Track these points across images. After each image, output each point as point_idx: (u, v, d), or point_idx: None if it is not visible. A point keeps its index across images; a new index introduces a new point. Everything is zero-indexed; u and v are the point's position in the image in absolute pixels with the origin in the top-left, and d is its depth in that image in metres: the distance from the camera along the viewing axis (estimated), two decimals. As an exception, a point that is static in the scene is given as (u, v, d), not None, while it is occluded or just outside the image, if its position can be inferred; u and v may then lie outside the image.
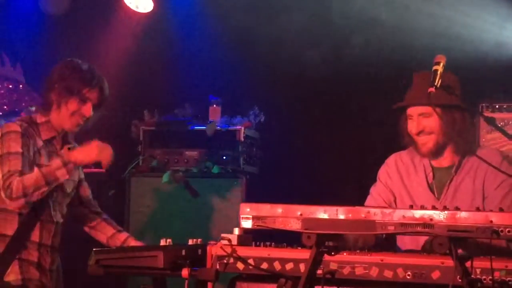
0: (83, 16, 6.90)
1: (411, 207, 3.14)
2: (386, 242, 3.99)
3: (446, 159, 4.16)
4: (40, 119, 4.41)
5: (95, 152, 4.20)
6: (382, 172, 4.32)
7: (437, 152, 4.12)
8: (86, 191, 4.63)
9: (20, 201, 4.15)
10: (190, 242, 3.71)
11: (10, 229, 4.26)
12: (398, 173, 4.25)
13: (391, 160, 4.32)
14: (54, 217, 4.37)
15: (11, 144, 4.23)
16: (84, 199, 4.61)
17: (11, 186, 4.12)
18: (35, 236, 4.30)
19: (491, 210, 3.20)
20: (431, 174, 4.17)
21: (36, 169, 4.18)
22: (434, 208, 3.08)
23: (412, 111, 4.09)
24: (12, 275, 4.21)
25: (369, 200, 4.27)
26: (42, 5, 6.84)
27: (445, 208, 3.07)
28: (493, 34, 6.21)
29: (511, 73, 5.84)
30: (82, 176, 4.64)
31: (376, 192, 4.28)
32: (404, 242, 4.11)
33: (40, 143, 4.35)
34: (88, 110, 4.37)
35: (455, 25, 6.30)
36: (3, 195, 4.16)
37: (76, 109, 4.35)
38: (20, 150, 4.22)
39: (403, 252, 3.96)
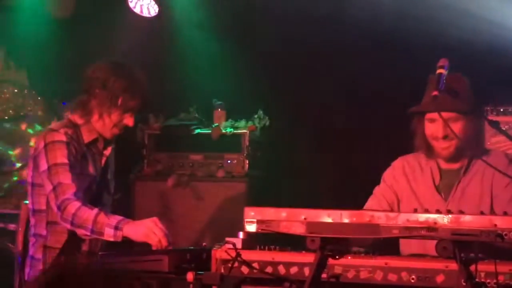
0: (88, 20, 6.91)
1: (415, 210, 3.14)
2: (388, 244, 3.98)
3: (456, 161, 4.17)
4: (79, 120, 4.32)
5: (147, 234, 3.92)
6: (387, 174, 4.32)
7: (456, 156, 4.14)
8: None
9: (66, 225, 4.10)
10: (195, 246, 3.71)
11: (59, 242, 4.21)
12: (405, 176, 4.25)
13: (397, 163, 4.33)
14: None
15: (57, 155, 4.16)
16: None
17: (67, 204, 4.05)
18: (85, 245, 4.23)
19: (496, 213, 3.20)
20: (438, 176, 4.18)
21: (96, 210, 4.02)
22: (438, 211, 3.09)
23: (436, 115, 4.03)
24: None
25: (371, 200, 4.28)
26: (48, 9, 6.84)
27: (449, 212, 3.07)
28: (498, 37, 6.20)
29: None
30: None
31: (379, 192, 4.28)
32: (410, 245, 4.11)
33: (83, 148, 4.28)
34: (131, 121, 4.30)
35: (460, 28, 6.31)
36: (55, 208, 4.11)
37: (119, 120, 4.27)
38: (66, 161, 4.15)
39: (407, 256, 3.96)
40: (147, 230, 3.95)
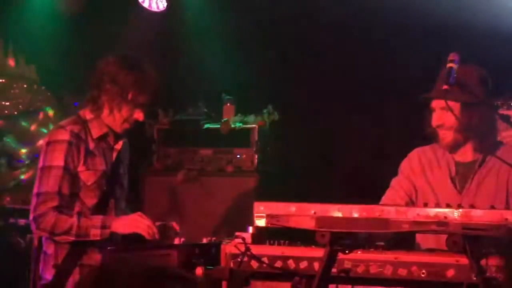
0: (97, 16, 6.91)
1: (425, 205, 3.13)
2: (403, 238, 3.98)
3: (468, 154, 4.17)
4: (89, 115, 4.30)
5: (134, 224, 4.09)
6: (404, 165, 4.31)
7: (455, 146, 4.14)
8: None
9: (43, 234, 4.16)
10: (204, 240, 3.72)
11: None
12: (421, 167, 4.25)
13: (414, 154, 4.32)
14: (116, 216, 4.30)
15: (54, 156, 4.16)
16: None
17: (44, 218, 4.10)
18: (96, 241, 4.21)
19: (507, 208, 3.18)
20: (454, 168, 4.18)
21: (75, 217, 4.10)
22: (448, 206, 3.07)
23: (435, 104, 4.10)
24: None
25: (389, 192, 4.27)
26: (58, 5, 6.85)
27: (459, 206, 3.06)
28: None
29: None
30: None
31: (397, 184, 4.27)
32: (426, 239, 4.09)
33: (92, 144, 4.27)
34: (142, 116, 4.27)
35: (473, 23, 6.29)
36: (30, 215, 4.15)
37: (129, 115, 4.25)
38: (62, 163, 4.15)
39: (420, 250, 3.95)
40: (135, 222, 4.10)
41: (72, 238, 4.13)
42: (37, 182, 4.20)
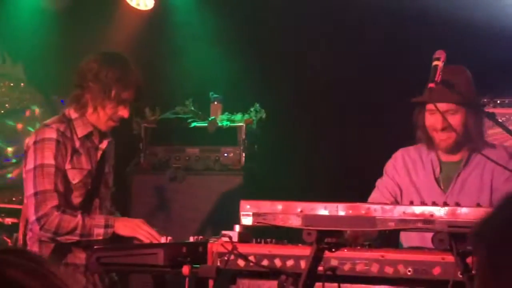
0: (84, 14, 6.89)
1: (411, 203, 3.14)
2: (388, 236, 3.99)
3: (456, 154, 4.17)
4: (73, 114, 4.28)
5: (136, 229, 4.11)
6: (389, 166, 4.32)
7: (455, 148, 4.14)
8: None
9: (46, 235, 4.13)
10: (191, 239, 3.71)
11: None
12: (405, 168, 4.25)
13: (398, 154, 4.33)
14: (101, 214, 4.29)
15: (45, 155, 4.14)
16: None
17: (48, 218, 4.08)
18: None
19: (492, 206, 3.19)
20: (438, 168, 4.19)
21: (79, 216, 4.10)
22: (434, 204, 3.08)
23: (439, 106, 4.04)
24: None
25: (374, 193, 4.27)
26: (44, 3, 6.83)
27: (445, 204, 3.07)
28: (495, 29, 6.20)
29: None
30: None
31: (382, 185, 4.28)
32: (410, 238, 4.10)
33: (77, 143, 4.26)
34: (126, 112, 4.25)
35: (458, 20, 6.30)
36: (32, 217, 4.11)
37: (113, 112, 4.23)
38: (53, 162, 4.14)
39: (405, 248, 3.96)
40: (137, 226, 4.11)
41: (76, 238, 4.11)
42: (31, 182, 4.15)
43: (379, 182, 4.30)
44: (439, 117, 4.05)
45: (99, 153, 4.35)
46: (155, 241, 3.99)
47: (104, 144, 4.36)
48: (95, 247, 3.64)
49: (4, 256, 1.59)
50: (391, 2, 6.38)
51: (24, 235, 4.30)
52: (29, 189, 4.17)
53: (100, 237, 4.10)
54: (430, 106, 4.09)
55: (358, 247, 3.24)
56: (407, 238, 4.14)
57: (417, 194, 4.13)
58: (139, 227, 4.13)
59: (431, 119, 4.10)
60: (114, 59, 4.30)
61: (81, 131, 4.27)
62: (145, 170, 6.34)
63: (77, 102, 4.28)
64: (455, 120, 4.03)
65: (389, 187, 4.24)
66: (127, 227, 4.13)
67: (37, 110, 6.91)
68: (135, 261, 3.48)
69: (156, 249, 3.43)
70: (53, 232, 4.09)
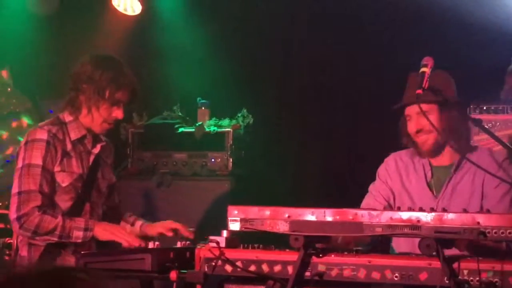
0: (71, 19, 6.89)
1: (399, 208, 3.15)
2: (380, 242, 4.01)
3: (446, 158, 4.19)
4: (68, 117, 4.29)
5: (115, 233, 4.11)
6: (381, 170, 4.33)
7: (437, 150, 4.16)
8: (114, 199, 4.57)
9: (25, 234, 4.13)
10: (179, 244, 3.71)
11: (44, 239, 4.17)
12: (397, 172, 4.27)
13: (390, 159, 4.34)
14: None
15: (33, 155, 4.15)
16: (110, 206, 4.53)
17: (28, 217, 4.08)
18: (70, 242, 4.20)
19: (479, 212, 3.21)
20: (430, 172, 4.20)
21: (60, 218, 4.10)
22: (421, 209, 3.10)
23: (410, 110, 4.12)
24: None
25: (368, 198, 4.28)
26: (30, 6, 6.81)
27: (432, 210, 3.09)
28: (482, 36, 6.23)
29: (498, 74, 5.86)
30: (114, 180, 4.56)
31: (375, 189, 4.29)
32: (399, 244, 4.12)
33: (69, 146, 4.26)
34: (120, 114, 4.26)
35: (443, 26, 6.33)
36: (13, 215, 4.11)
37: (108, 113, 4.23)
38: (40, 163, 4.14)
39: (395, 254, 3.98)
40: (116, 231, 4.13)
41: (55, 239, 4.11)
42: (16, 181, 4.17)
43: (372, 187, 4.32)
44: (413, 121, 4.10)
45: (92, 158, 4.34)
46: (133, 245, 4.00)
47: (97, 149, 4.36)
48: (82, 252, 3.64)
49: (73, 273, 1.62)
50: (380, 8, 6.41)
51: (17, 239, 4.30)
52: (14, 188, 4.19)
53: (79, 240, 4.11)
54: (407, 112, 4.14)
55: (345, 253, 3.25)
56: (397, 244, 4.16)
57: (409, 199, 4.15)
58: (119, 231, 4.13)
59: (409, 124, 4.14)
60: (108, 61, 4.31)
61: (74, 134, 4.28)
62: (132, 175, 6.33)
63: (71, 105, 4.29)
64: (425, 120, 4.04)
65: (382, 192, 4.25)
66: (106, 231, 4.13)
67: (25, 121, 6.89)
68: (122, 266, 3.48)
69: (144, 255, 3.43)
70: (32, 232, 4.10)
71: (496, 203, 3.99)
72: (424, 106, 3.98)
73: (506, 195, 4.05)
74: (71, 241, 4.11)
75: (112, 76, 4.21)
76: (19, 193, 4.14)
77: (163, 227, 4.30)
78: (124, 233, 4.12)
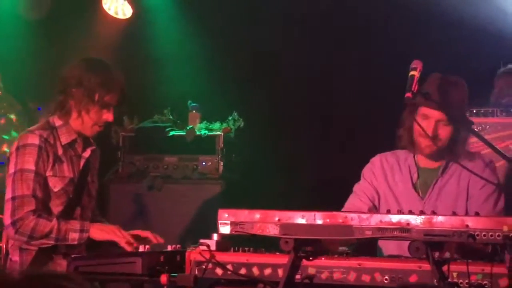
0: (62, 22, 6.89)
1: (388, 211, 3.16)
2: (366, 245, 4.01)
3: (435, 161, 4.19)
4: (58, 122, 4.29)
5: (112, 233, 4.14)
6: (366, 171, 4.33)
7: (437, 156, 4.17)
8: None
9: (21, 239, 4.13)
10: (169, 248, 3.72)
11: (35, 244, 4.16)
12: (383, 173, 4.27)
13: (376, 159, 4.34)
14: None
15: (25, 160, 4.15)
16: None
17: (23, 222, 4.08)
18: (61, 247, 4.19)
19: (468, 215, 3.22)
20: (416, 174, 4.21)
21: (55, 221, 4.11)
22: (411, 212, 3.11)
23: (430, 112, 4.07)
24: None
25: (352, 198, 4.28)
26: (21, 10, 6.81)
27: (422, 213, 3.10)
28: (472, 39, 6.26)
29: (488, 77, 5.88)
30: (97, 186, 4.55)
31: (360, 189, 4.29)
32: (387, 246, 4.13)
33: (60, 150, 4.26)
34: (111, 116, 4.27)
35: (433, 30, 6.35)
36: (8, 220, 4.11)
37: (98, 117, 4.24)
38: (33, 167, 4.14)
39: (384, 256, 3.98)
40: (111, 231, 4.15)
41: (51, 242, 4.11)
42: (10, 187, 4.17)
43: (357, 187, 4.32)
44: (432, 124, 4.07)
45: (82, 162, 4.35)
46: (131, 245, 4.01)
47: (87, 153, 4.36)
48: (72, 256, 3.64)
49: (56, 281, 1.62)
50: (370, 12, 6.43)
51: (7, 243, 4.30)
52: (7, 194, 4.18)
53: (75, 242, 4.12)
54: (424, 111, 4.08)
55: (336, 256, 3.26)
56: (384, 246, 4.17)
57: (395, 200, 4.16)
58: (114, 231, 4.15)
59: (423, 124, 4.07)
60: (96, 64, 4.32)
61: (65, 139, 4.28)
62: (123, 179, 6.34)
63: (60, 109, 4.29)
64: (445, 131, 4.06)
65: (367, 192, 4.26)
66: (102, 231, 4.15)
67: (13, 117, 6.87)
68: (113, 269, 3.47)
69: (134, 258, 3.42)
70: (28, 236, 4.09)
71: (480, 204, 4.02)
72: (444, 116, 4.01)
73: (491, 196, 4.07)
74: (67, 243, 4.11)
75: (101, 80, 4.22)
76: (13, 198, 4.14)
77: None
78: (120, 233, 4.14)
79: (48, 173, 4.20)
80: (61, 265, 4.17)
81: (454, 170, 4.16)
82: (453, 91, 4.02)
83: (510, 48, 6.11)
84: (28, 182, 4.13)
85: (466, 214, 3.88)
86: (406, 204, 3.99)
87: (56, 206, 4.21)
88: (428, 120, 4.08)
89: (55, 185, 4.21)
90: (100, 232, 4.15)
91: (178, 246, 3.69)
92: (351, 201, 4.25)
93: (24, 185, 4.13)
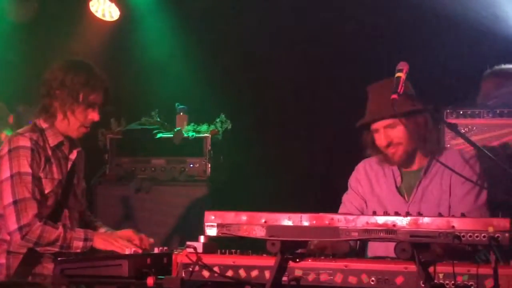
0: (49, 24, 6.87)
1: (374, 213, 3.17)
2: (356, 252, 4.04)
3: (415, 164, 4.21)
4: (44, 124, 4.28)
5: (115, 245, 4.14)
6: (352, 179, 4.36)
7: (407, 159, 4.18)
8: (83, 204, 4.55)
9: (28, 244, 4.12)
10: (156, 250, 3.71)
11: (23, 247, 4.16)
12: (367, 179, 4.29)
13: (360, 166, 4.37)
14: (70, 226, 4.28)
15: (21, 163, 4.13)
16: (78, 210, 4.51)
17: (30, 228, 4.07)
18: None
19: (453, 216, 3.23)
20: (399, 177, 4.23)
21: (61, 228, 4.12)
22: (397, 214, 3.11)
23: (377, 124, 4.13)
24: None
25: (342, 209, 4.30)
26: (8, 13, 6.79)
27: (408, 214, 3.10)
28: (459, 40, 6.27)
29: (474, 78, 5.90)
30: (85, 186, 4.56)
31: (348, 200, 4.32)
32: (374, 247, 4.14)
33: (49, 152, 4.25)
34: (96, 116, 4.26)
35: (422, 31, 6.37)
36: (14, 226, 4.08)
37: (84, 117, 4.23)
38: (29, 170, 4.13)
39: (370, 258, 3.99)
40: (113, 240, 4.17)
41: (56, 249, 4.12)
42: (9, 191, 4.13)
43: (345, 198, 4.34)
44: (382, 134, 4.12)
45: (69, 164, 4.34)
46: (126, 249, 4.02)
47: (73, 155, 4.36)
48: (59, 259, 3.63)
49: None
50: (357, 12, 6.44)
51: None
52: (6, 198, 4.13)
53: (79, 250, 4.13)
54: (374, 126, 4.15)
55: (322, 257, 3.26)
56: (371, 248, 4.18)
57: (380, 204, 4.17)
58: (117, 241, 4.16)
59: (377, 138, 4.16)
60: (78, 65, 4.31)
61: (52, 141, 4.27)
62: (110, 181, 6.33)
63: (45, 111, 4.28)
64: (397, 133, 4.08)
65: (354, 201, 4.28)
66: (105, 241, 4.17)
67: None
68: (99, 272, 3.46)
69: (121, 261, 3.42)
70: (35, 243, 4.08)
71: (461, 199, 4.03)
72: (391, 120, 4.03)
73: (471, 191, 4.08)
74: (71, 251, 4.11)
75: (84, 79, 4.21)
76: (15, 202, 4.11)
77: (122, 236, 4.28)
78: (123, 242, 4.14)
79: (40, 174, 4.19)
80: (48, 268, 4.16)
81: (436, 169, 4.17)
82: (388, 93, 3.98)
83: (498, 50, 6.12)
84: (27, 185, 4.12)
85: (450, 212, 3.91)
86: (392, 207, 3.99)
87: (46, 208, 4.20)
88: (379, 133, 4.14)
89: (46, 187, 4.20)
90: (103, 242, 4.17)
91: (165, 248, 3.69)
92: (341, 212, 4.25)
93: (24, 188, 4.11)
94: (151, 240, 4.27)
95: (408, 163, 4.21)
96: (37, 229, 4.07)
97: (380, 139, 4.14)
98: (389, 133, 4.10)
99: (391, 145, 4.12)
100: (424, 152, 4.17)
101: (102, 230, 4.44)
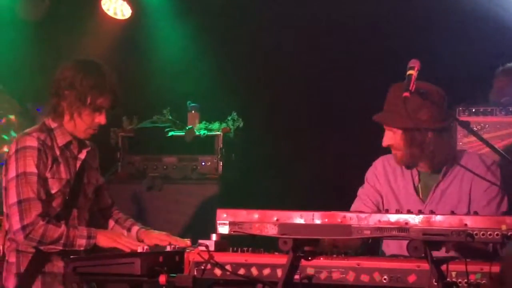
0: (61, 23, 6.88)
1: (387, 211, 3.16)
2: (370, 246, 4.01)
3: (428, 167, 4.16)
4: (53, 124, 4.26)
5: (119, 243, 4.10)
6: (370, 174, 4.33)
7: (409, 164, 4.16)
8: (107, 200, 4.56)
9: (31, 244, 4.12)
10: (168, 248, 3.72)
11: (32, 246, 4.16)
12: (385, 176, 4.26)
13: (378, 162, 4.34)
14: (79, 225, 4.27)
15: (27, 163, 4.12)
16: (103, 207, 4.54)
17: (33, 227, 4.06)
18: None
19: (475, 212, 3.22)
20: (417, 177, 4.19)
21: (63, 227, 4.10)
22: (409, 212, 3.11)
23: (384, 124, 4.14)
24: None
25: (356, 202, 4.29)
26: (19, 12, 6.81)
27: (420, 212, 3.10)
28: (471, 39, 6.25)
29: (488, 76, 5.88)
30: (102, 181, 4.55)
31: (364, 194, 4.29)
32: (388, 245, 4.13)
33: (57, 151, 4.24)
34: (103, 119, 4.22)
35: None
36: (17, 225, 4.07)
37: (91, 120, 4.20)
38: (35, 170, 4.11)
39: (380, 256, 3.98)
40: (117, 237, 4.14)
41: (59, 248, 4.10)
42: (14, 191, 4.12)
43: (361, 191, 4.32)
44: (385, 136, 4.13)
45: (78, 163, 4.33)
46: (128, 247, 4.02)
47: (83, 154, 4.34)
48: (71, 256, 3.63)
49: None
50: (368, 13, 6.43)
51: (4, 245, 4.29)
52: (11, 198, 4.13)
53: (82, 248, 4.10)
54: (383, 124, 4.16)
55: (334, 256, 3.26)
56: (387, 246, 4.16)
57: (396, 202, 4.15)
58: (121, 238, 4.14)
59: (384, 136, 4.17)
60: (88, 66, 4.26)
61: (61, 140, 4.26)
62: (122, 179, 6.33)
63: (54, 111, 4.27)
64: (397, 140, 4.07)
65: (371, 195, 4.25)
66: (109, 238, 4.13)
67: (13, 118, 6.86)
68: (112, 270, 3.47)
69: (133, 259, 3.42)
70: (38, 241, 4.08)
71: (483, 207, 3.99)
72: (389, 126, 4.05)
73: (494, 199, 4.04)
74: (74, 249, 4.10)
75: (93, 82, 4.17)
76: (19, 202, 4.10)
77: (160, 239, 4.26)
78: (127, 240, 4.13)
79: (47, 175, 4.19)
80: (58, 266, 4.17)
81: (456, 174, 4.12)
82: (395, 98, 3.96)
83: (510, 47, 6.10)
84: (32, 185, 4.11)
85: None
86: (408, 206, 3.95)
87: (53, 208, 4.20)
88: (385, 132, 4.14)
89: (53, 187, 4.20)
90: (106, 239, 4.14)
91: (177, 246, 3.69)
92: (356, 206, 4.25)
93: (29, 188, 4.10)
94: (188, 242, 4.13)
95: (409, 167, 4.19)
96: (40, 228, 4.06)
97: (384, 140, 4.13)
98: (390, 136, 4.08)
99: (391, 148, 4.11)
100: (434, 160, 4.12)
101: (136, 228, 4.43)
